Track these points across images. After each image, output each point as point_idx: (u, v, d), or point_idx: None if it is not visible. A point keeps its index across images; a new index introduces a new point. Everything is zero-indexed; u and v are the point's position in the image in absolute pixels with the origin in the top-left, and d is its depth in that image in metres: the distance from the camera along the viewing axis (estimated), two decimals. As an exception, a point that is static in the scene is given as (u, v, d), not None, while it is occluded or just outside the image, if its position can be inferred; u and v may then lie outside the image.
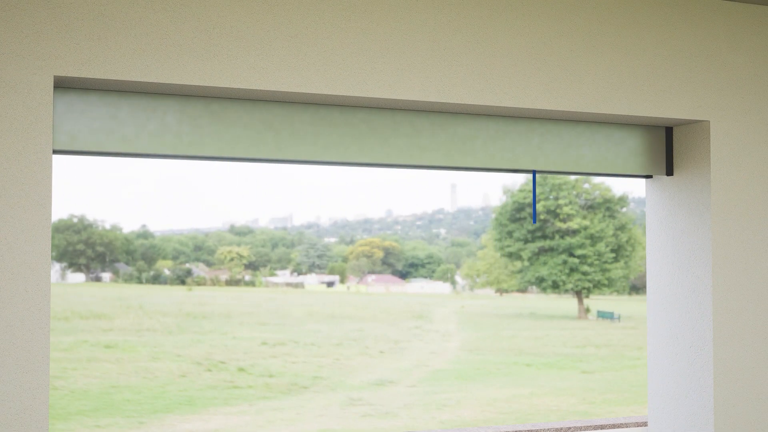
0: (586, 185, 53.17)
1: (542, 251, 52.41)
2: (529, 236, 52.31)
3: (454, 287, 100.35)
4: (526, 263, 52.73)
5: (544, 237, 52.20)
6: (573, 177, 53.10)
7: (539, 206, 51.78)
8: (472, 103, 3.35)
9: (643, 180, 4.05)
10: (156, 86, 3.01)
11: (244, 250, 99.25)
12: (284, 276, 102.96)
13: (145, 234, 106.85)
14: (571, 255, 51.37)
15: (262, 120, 3.26)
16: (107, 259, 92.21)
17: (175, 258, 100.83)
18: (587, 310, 53.56)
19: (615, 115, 3.61)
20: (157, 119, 3.12)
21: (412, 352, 31.68)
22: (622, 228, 52.56)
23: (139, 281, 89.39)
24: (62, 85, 2.96)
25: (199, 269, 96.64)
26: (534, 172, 3.68)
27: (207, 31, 3.02)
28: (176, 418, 18.50)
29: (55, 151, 3.00)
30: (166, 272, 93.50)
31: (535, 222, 3.88)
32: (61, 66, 2.84)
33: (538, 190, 52.33)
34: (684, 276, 3.84)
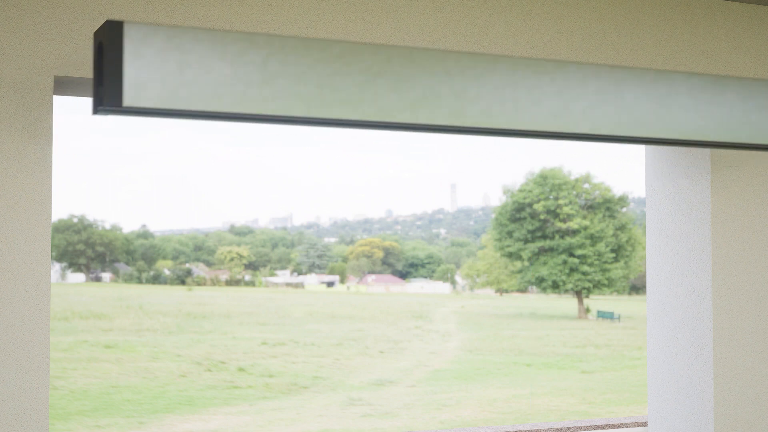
0: (586, 185, 53.18)
1: (542, 251, 52.39)
2: (529, 236, 52.29)
3: (454, 287, 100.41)
4: (526, 263, 52.71)
5: (544, 237, 52.18)
6: (573, 177, 53.10)
7: (539, 206, 51.76)
8: (472, 103, 3.34)
9: (643, 180, 4.06)
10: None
11: (244, 250, 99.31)
12: (284, 276, 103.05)
13: (145, 234, 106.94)
14: (571, 255, 51.35)
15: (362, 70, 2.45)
16: (107, 259, 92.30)
17: (175, 258, 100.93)
18: (587, 310, 53.53)
19: (615, 115, 3.60)
20: None
21: (412, 352, 31.65)
22: (622, 228, 52.55)
23: (139, 281, 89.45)
24: (62, 84, 2.96)
25: (199, 269, 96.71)
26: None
27: (207, 31, 3.01)
28: (176, 418, 18.49)
29: (121, 110, 2.36)
30: (166, 272, 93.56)
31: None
32: (61, 66, 2.84)
33: (537, 191, 52.31)
34: (684, 276, 3.84)
